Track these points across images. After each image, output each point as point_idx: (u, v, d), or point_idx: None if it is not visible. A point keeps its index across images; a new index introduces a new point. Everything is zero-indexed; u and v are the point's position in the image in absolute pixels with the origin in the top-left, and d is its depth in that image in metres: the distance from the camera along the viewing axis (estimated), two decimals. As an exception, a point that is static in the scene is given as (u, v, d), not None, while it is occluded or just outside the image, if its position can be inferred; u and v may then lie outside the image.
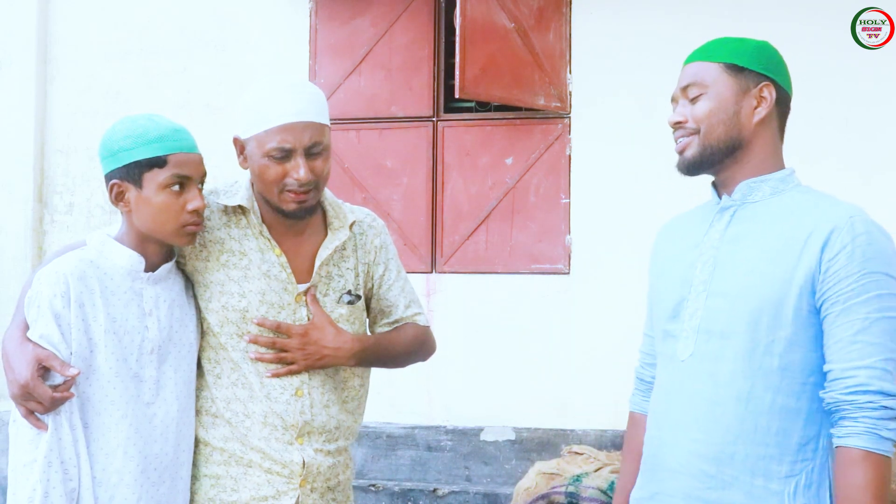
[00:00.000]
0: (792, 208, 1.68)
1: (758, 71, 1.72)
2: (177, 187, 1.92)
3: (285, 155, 1.95)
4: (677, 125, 1.75)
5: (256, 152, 1.97)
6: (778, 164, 1.76)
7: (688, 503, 1.67)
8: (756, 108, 1.72)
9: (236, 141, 2.04)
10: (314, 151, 1.97)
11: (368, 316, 2.25)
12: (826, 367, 1.60)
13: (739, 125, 1.71)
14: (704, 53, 1.76)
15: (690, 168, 1.75)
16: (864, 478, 1.52)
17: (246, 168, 2.04)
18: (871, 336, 1.55)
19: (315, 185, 1.99)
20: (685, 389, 1.69)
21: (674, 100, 1.79)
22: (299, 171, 1.95)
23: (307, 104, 1.97)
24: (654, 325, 1.83)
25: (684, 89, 1.75)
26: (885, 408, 1.54)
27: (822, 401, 1.60)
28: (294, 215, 2.02)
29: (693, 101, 1.74)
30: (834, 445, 1.59)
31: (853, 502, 1.53)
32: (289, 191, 1.97)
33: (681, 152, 1.76)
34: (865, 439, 1.53)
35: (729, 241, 1.70)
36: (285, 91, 1.97)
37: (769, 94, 1.72)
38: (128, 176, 1.92)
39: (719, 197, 1.77)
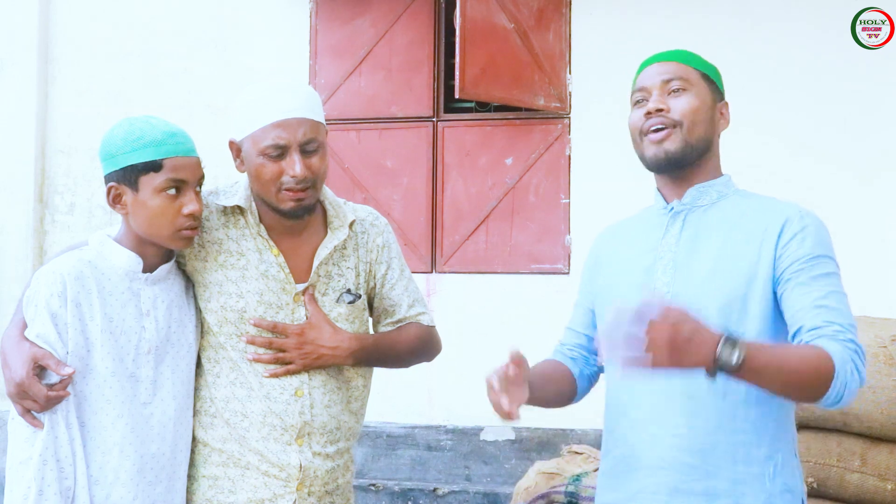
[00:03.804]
0: (741, 210, 1.77)
1: (721, 90, 1.85)
2: (173, 191, 1.92)
3: (280, 152, 1.95)
4: (658, 112, 1.76)
5: (252, 152, 1.97)
6: (719, 172, 1.85)
7: (674, 497, 1.70)
8: (719, 120, 1.83)
9: (232, 144, 2.04)
10: (309, 149, 1.97)
11: (372, 316, 2.24)
12: (794, 329, 1.63)
13: (713, 129, 1.80)
14: (682, 57, 1.82)
15: (668, 161, 1.76)
16: (814, 360, 1.53)
17: (243, 171, 2.04)
18: (833, 303, 1.61)
19: (312, 182, 1.98)
20: (659, 388, 1.72)
21: (645, 90, 1.80)
22: (295, 167, 1.94)
23: (301, 102, 1.97)
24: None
25: (666, 82, 1.78)
26: (860, 354, 1.57)
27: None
28: (293, 214, 2.01)
29: (674, 93, 1.78)
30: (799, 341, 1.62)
31: (787, 349, 1.57)
32: (286, 189, 1.96)
33: (660, 142, 1.76)
34: (839, 357, 1.54)
35: (686, 243, 1.76)
36: (278, 90, 1.98)
37: (726, 112, 1.84)
38: (124, 179, 1.92)
39: (666, 201, 1.83)
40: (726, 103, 1.84)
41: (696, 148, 1.76)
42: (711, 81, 1.81)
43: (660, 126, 1.76)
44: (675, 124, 1.75)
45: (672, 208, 1.80)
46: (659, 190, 1.85)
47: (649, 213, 1.88)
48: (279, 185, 1.96)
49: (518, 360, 1.67)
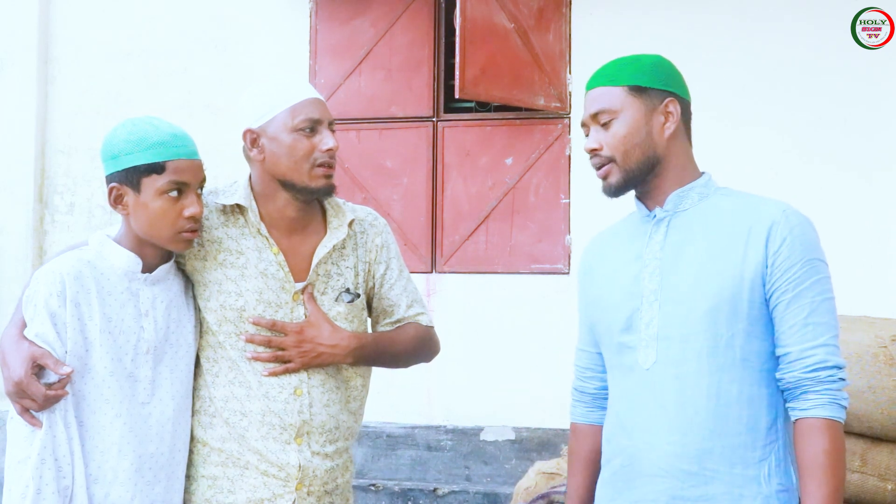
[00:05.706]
0: (723, 210, 1.77)
1: (660, 88, 1.78)
2: (174, 193, 1.92)
3: (314, 127, 2.02)
4: (592, 152, 1.81)
5: (282, 131, 2.02)
6: (695, 170, 1.83)
7: None
8: (665, 123, 1.78)
9: (248, 133, 2.05)
10: (332, 129, 2.07)
11: (371, 316, 2.24)
12: (781, 351, 1.70)
13: (653, 144, 1.78)
14: (606, 78, 1.80)
15: (617, 192, 1.81)
16: (829, 443, 1.64)
17: (260, 159, 2.05)
18: (820, 317, 1.68)
19: (335, 161, 2.07)
20: (653, 396, 1.73)
21: (584, 125, 1.84)
22: (328, 141, 2.03)
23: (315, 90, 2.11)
24: (604, 339, 1.86)
25: (594, 116, 1.80)
26: (842, 379, 1.68)
27: (780, 381, 1.71)
28: (324, 191, 2.06)
29: (605, 126, 1.78)
30: (794, 419, 1.70)
31: (820, 466, 1.63)
32: (319, 165, 2.03)
33: (604, 178, 1.81)
34: (829, 409, 1.66)
35: (670, 249, 1.77)
36: (296, 77, 2.11)
37: (675, 108, 1.78)
38: (126, 180, 1.92)
39: (647, 209, 1.83)
40: (672, 98, 1.78)
41: (639, 170, 1.77)
42: (644, 90, 1.77)
43: (599, 164, 1.80)
44: (610, 160, 1.78)
45: (654, 215, 1.80)
46: (639, 199, 1.85)
47: (635, 220, 1.88)
48: (313, 160, 2.02)
49: None
